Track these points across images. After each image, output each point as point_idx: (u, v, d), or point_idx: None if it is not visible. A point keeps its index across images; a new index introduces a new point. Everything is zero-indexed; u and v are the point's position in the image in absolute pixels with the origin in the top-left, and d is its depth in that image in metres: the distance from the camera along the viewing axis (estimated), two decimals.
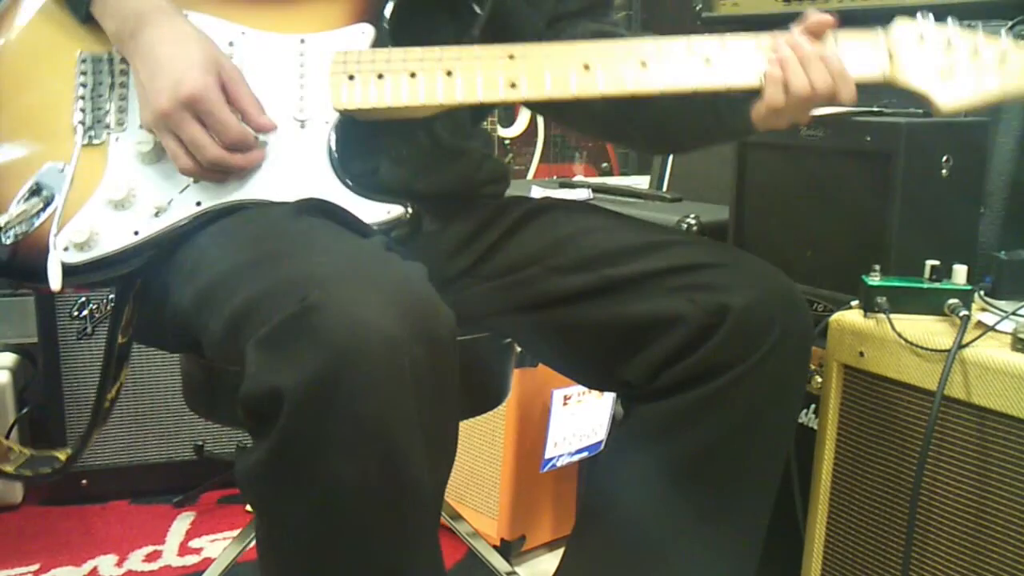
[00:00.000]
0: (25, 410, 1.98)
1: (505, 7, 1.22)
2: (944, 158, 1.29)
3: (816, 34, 1.05)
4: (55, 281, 1.03)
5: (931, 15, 1.07)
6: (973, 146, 1.34)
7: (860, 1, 1.63)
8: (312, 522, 0.84)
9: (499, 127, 3.59)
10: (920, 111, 1.34)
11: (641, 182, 2.31)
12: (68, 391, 1.96)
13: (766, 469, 1.12)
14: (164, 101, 1.02)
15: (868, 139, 1.30)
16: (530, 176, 3.77)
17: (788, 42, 1.04)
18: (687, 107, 1.15)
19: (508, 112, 3.66)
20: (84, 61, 1.09)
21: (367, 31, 1.10)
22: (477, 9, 1.18)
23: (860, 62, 1.06)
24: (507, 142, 3.74)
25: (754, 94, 1.07)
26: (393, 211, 1.06)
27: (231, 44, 1.10)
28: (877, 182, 1.29)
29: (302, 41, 1.10)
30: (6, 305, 2.07)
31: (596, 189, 1.98)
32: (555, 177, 2.33)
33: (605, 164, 3.92)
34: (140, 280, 1.12)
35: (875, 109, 1.35)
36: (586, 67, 1.07)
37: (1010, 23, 1.44)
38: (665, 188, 2.11)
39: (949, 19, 1.06)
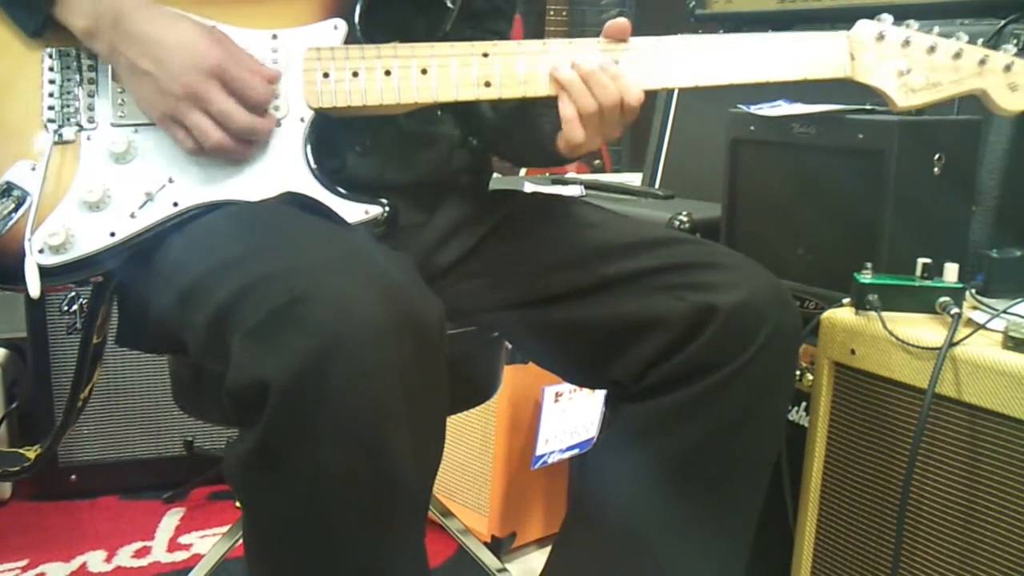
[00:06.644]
0: (14, 405, 1.97)
1: (475, 1, 1.22)
2: (936, 156, 1.29)
3: (620, 38, 1.10)
4: (33, 288, 1.00)
5: (890, 16, 1.13)
6: (965, 144, 1.34)
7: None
8: (297, 512, 0.84)
9: None
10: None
11: (633, 179, 2.30)
12: (57, 386, 1.94)
13: (754, 470, 1.12)
14: (190, 76, 1.00)
15: (860, 136, 1.30)
16: (522, 173, 3.76)
17: (571, 62, 1.07)
18: (520, 126, 1.24)
19: None
20: (51, 56, 1.06)
21: (340, 26, 1.09)
22: (449, 3, 1.18)
23: (823, 62, 1.14)
24: None
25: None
26: (371, 211, 1.06)
27: None
28: (869, 180, 1.29)
29: (274, 37, 1.08)
30: None
31: (588, 186, 1.98)
32: (547, 174, 2.32)
33: (597, 161, 3.91)
34: (116, 280, 1.10)
35: (868, 107, 1.35)
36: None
37: (1002, 22, 1.44)
38: (657, 185, 2.10)
39: (909, 21, 1.13)
